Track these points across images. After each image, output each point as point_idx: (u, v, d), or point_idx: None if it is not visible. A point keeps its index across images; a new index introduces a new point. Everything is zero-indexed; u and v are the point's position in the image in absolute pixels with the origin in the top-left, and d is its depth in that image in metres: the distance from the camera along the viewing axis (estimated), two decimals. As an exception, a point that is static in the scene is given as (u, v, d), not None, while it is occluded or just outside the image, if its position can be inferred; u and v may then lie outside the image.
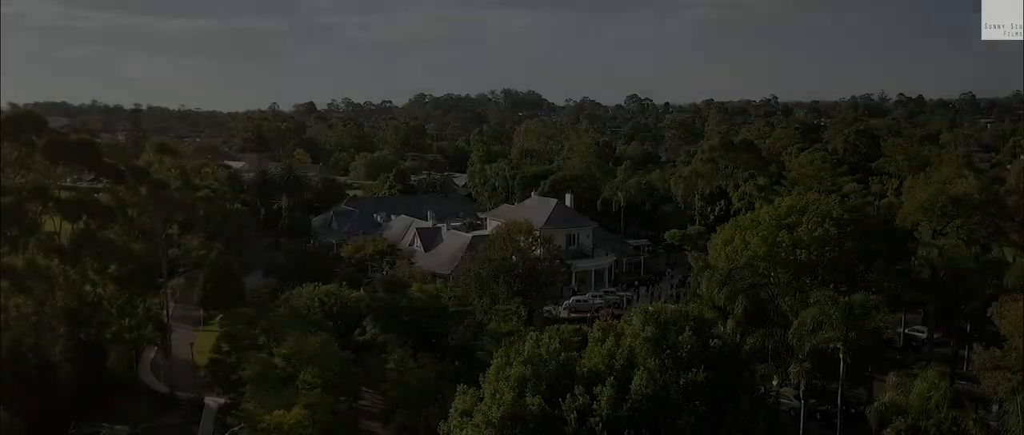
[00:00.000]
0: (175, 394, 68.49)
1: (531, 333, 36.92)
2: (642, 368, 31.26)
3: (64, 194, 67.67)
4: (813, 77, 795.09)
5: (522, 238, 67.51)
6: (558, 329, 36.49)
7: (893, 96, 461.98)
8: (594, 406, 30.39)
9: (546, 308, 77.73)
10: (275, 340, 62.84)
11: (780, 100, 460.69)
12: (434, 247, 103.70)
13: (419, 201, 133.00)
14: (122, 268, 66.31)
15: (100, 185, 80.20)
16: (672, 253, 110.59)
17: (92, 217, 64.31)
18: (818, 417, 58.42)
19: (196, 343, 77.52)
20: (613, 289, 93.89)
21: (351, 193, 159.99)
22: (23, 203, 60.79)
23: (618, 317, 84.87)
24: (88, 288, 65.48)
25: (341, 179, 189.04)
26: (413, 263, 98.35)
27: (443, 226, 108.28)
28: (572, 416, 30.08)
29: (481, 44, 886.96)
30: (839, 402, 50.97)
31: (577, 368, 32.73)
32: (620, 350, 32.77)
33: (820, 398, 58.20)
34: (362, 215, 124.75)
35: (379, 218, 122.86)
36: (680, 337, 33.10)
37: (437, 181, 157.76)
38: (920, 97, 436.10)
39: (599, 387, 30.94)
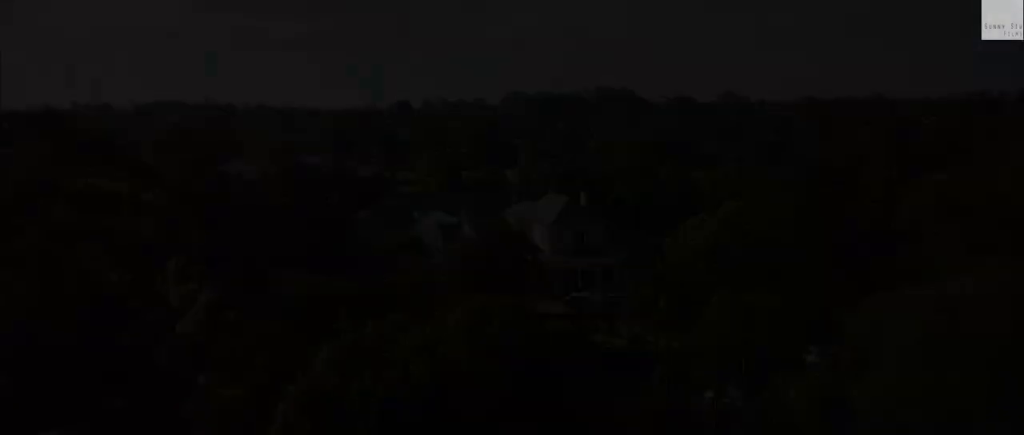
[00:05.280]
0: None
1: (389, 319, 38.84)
2: (424, 356, 32.91)
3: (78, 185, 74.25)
4: (925, 70, 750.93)
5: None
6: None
7: (1014, 92, 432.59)
8: (375, 388, 32.27)
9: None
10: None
11: (886, 96, 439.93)
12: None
13: (460, 199, 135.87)
14: (128, 255, 72.08)
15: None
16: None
17: (97, 207, 70.23)
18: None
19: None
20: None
21: (408, 190, 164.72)
22: (33, 194, 67.23)
23: (616, 315, 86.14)
24: (93, 274, 71.08)
25: (405, 175, 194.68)
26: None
27: (465, 224, 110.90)
28: (354, 396, 32.09)
29: (581, 36, 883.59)
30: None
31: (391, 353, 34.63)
32: (414, 336, 34.50)
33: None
34: (400, 212, 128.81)
35: (416, 215, 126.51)
36: (489, 329, 34.52)
37: (485, 179, 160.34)
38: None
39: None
